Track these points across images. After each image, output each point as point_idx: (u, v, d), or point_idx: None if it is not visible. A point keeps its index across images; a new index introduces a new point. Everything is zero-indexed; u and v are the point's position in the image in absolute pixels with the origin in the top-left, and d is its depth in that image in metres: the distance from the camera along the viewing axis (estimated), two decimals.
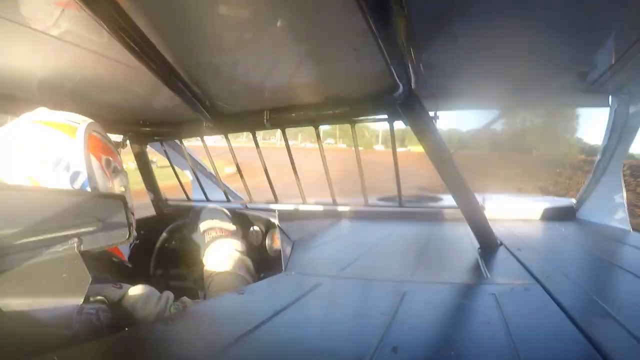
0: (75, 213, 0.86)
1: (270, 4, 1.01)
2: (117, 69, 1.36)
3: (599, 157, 1.93)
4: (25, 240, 0.76)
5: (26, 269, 0.76)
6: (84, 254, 0.86)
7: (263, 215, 2.07)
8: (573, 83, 1.45)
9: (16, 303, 0.74)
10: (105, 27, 0.99)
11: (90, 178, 1.03)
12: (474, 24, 1.11)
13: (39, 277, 0.79)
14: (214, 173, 2.47)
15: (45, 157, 0.97)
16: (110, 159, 1.11)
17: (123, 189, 1.17)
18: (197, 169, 2.59)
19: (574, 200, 2.14)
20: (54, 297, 0.79)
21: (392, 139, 1.75)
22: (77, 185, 1.00)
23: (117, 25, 1.01)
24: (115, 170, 1.13)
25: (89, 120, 1.11)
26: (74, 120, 1.06)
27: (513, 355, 0.75)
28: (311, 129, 1.76)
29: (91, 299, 0.90)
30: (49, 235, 0.80)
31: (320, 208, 2.31)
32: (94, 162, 1.05)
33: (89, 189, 1.02)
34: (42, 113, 1.05)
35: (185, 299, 1.16)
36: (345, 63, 1.29)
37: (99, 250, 0.92)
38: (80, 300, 0.82)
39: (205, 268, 1.43)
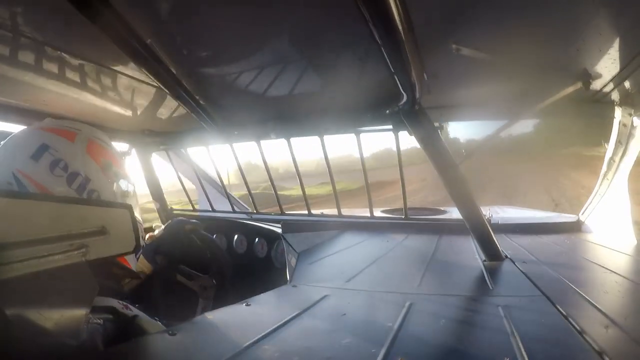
0: (81, 221, 0.86)
1: (273, 15, 1.02)
2: (121, 79, 1.39)
3: (604, 168, 1.91)
4: (30, 248, 0.75)
5: (32, 278, 0.74)
6: (92, 263, 0.84)
7: (268, 226, 2.06)
8: (577, 92, 1.44)
9: (22, 312, 0.72)
10: (109, 37, 1.01)
11: (89, 180, 1.03)
12: (478, 35, 1.12)
13: (45, 286, 0.77)
14: (219, 183, 2.47)
15: (44, 159, 0.98)
16: (111, 162, 1.11)
17: (127, 193, 1.17)
18: (203, 178, 2.60)
19: (577, 215, 2.12)
20: (60, 307, 0.78)
21: (398, 150, 1.75)
22: (75, 186, 1.00)
23: (119, 36, 1.03)
24: (117, 175, 1.13)
25: (90, 127, 1.13)
26: (74, 127, 1.08)
27: None
28: None
29: (99, 308, 0.90)
30: (54, 244, 0.79)
31: (326, 219, 2.29)
32: (93, 165, 1.06)
33: (87, 192, 1.03)
34: (47, 122, 1.08)
35: None
36: (349, 73, 1.29)
37: (105, 259, 0.90)
38: (88, 310, 0.81)
39: None
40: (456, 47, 1.15)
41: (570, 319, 0.94)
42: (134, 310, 1.01)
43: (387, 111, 1.39)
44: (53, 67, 1.25)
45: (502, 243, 1.58)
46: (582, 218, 2.07)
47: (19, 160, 0.98)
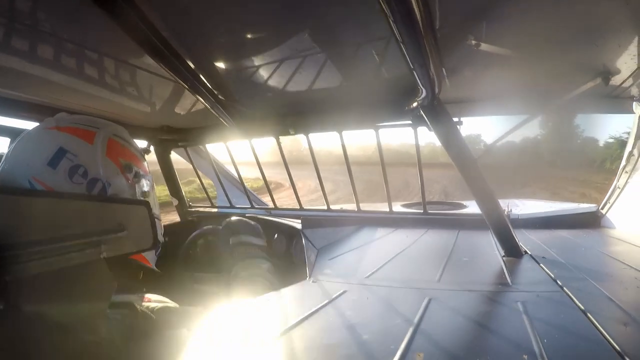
0: (98, 219, 0.86)
1: (293, 10, 1.03)
2: (139, 75, 1.40)
3: (623, 163, 1.89)
4: (49, 246, 0.75)
5: (51, 275, 0.75)
6: (110, 261, 0.85)
7: (287, 222, 2.06)
8: (596, 88, 1.43)
9: (41, 309, 0.73)
10: (128, 33, 1.02)
11: (109, 185, 0.97)
12: (496, 30, 1.11)
13: (63, 283, 0.78)
14: (238, 179, 2.48)
15: (62, 165, 0.91)
16: (132, 163, 1.05)
17: (147, 194, 1.11)
18: (222, 174, 2.61)
19: (597, 206, 2.10)
20: (78, 304, 0.78)
21: (417, 145, 1.75)
22: (95, 192, 0.94)
23: (139, 32, 1.03)
24: (137, 176, 1.07)
25: (110, 124, 1.05)
26: (92, 125, 1.01)
27: None
28: None
29: (117, 304, 0.89)
30: (72, 242, 0.79)
31: (345, 215, 2.29)
32: (113, 168, 0.99)
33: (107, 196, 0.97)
34: (61, 118, 1.00)
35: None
36: (368, 68, 1.30)
37: (123, 256, 0.91)
38: (106, 306, 0.82)
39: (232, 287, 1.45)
40: (475, 42, 1.14)
41: (589, 316, 0.94)
42: (154, 302, 1.00)
43: (406, 107, 1.39)
44: (70, 62, 1.24)
45: (522, 238, 1.57)
46: (601, 211, 2.05)
47: (34, 166, 0.90)
